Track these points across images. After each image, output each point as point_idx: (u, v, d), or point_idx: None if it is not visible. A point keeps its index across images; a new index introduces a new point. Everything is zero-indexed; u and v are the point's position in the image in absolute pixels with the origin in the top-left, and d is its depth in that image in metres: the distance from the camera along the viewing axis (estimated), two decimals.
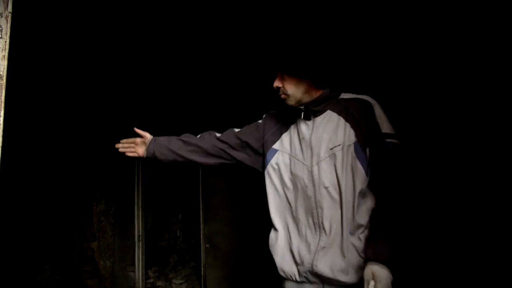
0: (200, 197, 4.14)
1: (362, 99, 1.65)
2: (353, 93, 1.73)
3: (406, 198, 1.53)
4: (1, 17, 0.97)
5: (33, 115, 4.02)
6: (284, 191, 1.74)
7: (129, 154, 1.87)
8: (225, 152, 1.85)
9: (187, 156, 1.85)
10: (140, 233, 4.43)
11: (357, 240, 1.55)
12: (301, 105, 1.68)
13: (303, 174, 1.66)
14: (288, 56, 1.68)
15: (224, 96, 3.97)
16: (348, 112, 1.64)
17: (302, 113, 1.69)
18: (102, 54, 3.46)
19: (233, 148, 1.85)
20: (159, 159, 1.87)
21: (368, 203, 1.58)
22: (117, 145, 1.87)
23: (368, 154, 1.58)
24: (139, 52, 3.46)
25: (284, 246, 1.71)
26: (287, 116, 1.81)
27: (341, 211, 1.58)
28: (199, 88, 4.09)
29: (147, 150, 1.85)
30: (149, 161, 4.59)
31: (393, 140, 1.57)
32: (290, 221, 1.72)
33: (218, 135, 1.88)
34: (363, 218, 1.56)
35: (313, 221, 1.63)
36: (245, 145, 1.84)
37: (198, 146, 1.85)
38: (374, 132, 1.57)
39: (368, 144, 1.58)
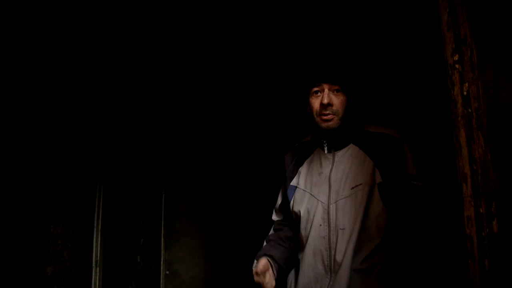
0: (162, 221, 4.06)
1: (391, 136, 1.53)
2: (377, 124, 1.61)
3: (430, 243, 1.44)
4: None
5: None
6: (299, 229, 1.62)
7: None
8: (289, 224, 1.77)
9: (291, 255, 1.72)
10: (98, 258, 4.28)
11: (375, 281, 1.44)
12: (324, 137, 1.57)
13: (317, 212, 1.53)
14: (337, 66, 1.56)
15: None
16: (375, 149, 1.50)
17: (325, 147, 1.57)
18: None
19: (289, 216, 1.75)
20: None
21: (386, 244, 1.47)
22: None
23: (392, 196, 1.46)
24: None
25: (292, 283, 1.67)
26: (304, 148, 1.70)
27: (353, 253, 1.44)
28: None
29: (276, 273, 1.66)
30: (111, 184, 4.49)
31: (417, 183, 1.47)
32: (299, 260, 1.62)
33: (276, 218, 1.82)
34: (378, 257, 1.45)
35: (324, 263, 1.49)
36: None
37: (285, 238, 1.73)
38: (401, 173, 1.47)
39: (393, 186, 1.46)
